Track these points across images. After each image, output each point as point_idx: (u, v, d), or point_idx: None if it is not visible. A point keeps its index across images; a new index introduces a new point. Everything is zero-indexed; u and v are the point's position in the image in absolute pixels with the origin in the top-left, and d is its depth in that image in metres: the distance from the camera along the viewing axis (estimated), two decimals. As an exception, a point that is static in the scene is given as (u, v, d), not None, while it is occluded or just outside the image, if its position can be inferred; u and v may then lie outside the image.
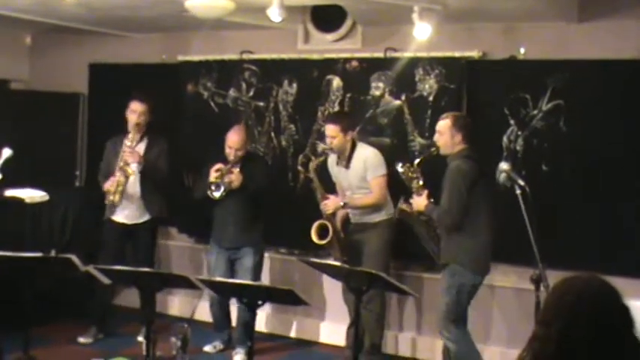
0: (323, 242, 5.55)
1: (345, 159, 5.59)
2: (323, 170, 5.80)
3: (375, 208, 5.57)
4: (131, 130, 5.98)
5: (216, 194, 5.62)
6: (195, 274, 5.00)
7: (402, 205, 5.18)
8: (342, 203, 5.53)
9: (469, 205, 4.84)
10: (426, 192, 5.04)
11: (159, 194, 6.10)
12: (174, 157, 6.79)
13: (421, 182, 5.09)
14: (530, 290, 4.23)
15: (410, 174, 5.12)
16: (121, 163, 5.89)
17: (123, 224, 6.06)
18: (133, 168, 5.87)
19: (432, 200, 5.02)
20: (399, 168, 5.15)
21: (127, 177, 5.90)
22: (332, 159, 5.70)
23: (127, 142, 5.94)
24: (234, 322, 6.04)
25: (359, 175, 5.54)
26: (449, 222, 4.88)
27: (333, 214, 5.60)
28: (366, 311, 5.54)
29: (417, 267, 5.86)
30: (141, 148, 6.01)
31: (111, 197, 5.93)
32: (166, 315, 6.76)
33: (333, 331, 6.28)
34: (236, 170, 5.67)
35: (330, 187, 5.76)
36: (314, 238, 5.57)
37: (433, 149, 5.15)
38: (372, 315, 5.60)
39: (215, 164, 5.67)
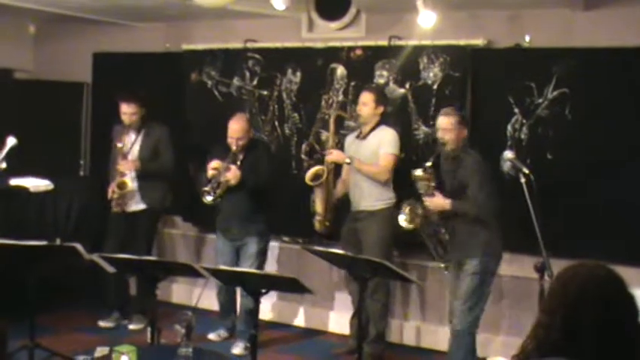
0: (314, 183, 5.60)
1: (366, 132, 5.58)
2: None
3: (377, 192, 5.52)
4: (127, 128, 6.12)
5: (209, 198, 5.60)
6: (200, 262, 5.01)
7: (418, 211, 4.98)
8: (347, 160, 5.52)
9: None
10: (437, 191, 4.93)
11: (158, 185, 6.16)
12: (178, 146, 6.81)
13: (433, 183, 4.94)
14: (534, 279, 4.22)
15: (427, 176, 4.95)
16: (118, 176, 6.01)
17: (123, 212, 6.12)
18: (129, 181, 6.02)
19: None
20: (419, 172, 4.94)
21: (124, 190, 6.03)
22: (352, 135, 5.71)
23: (120, 145, 6.05)
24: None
25: (372, 148, 5.52)
26: (488, 213, 4.83)
27: (335, 167, 5.67)
28: (372, 301, 5.53)
29: (422, 256, 5.83)
30: (137, 143, 6.11)
31: (114, 207, 6.08)
32: (170, 303, 6.77)
33: (340, 320, 6.27)
34: (234, 167, 5.60)
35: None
36: (307, 179, 5.63)
37: (443, 145, 4.94)
38: (377, 305, 5.59)
39: (213, 160, 5.63)
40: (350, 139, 5.73)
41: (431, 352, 5.92)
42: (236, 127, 5.68)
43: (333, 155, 5.60)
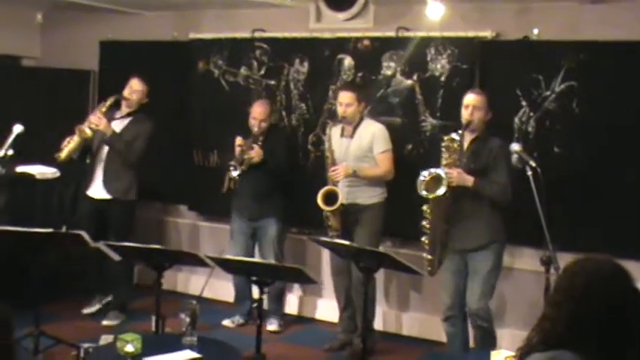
0: (332, 208, 5.43)
1: (351, 129, 5.56)
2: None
3: (371, 188, 5.54)
4: (122, 103, 6.06)
5: (234, 173, 5.70)
6: (205, 251, 5.00)
7: (443, 181, 4.65)
8: (352, 171, 5.43)
9: None
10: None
11: (125, 176, 6.04)
12: (184, 134, 6.82)
13: (457, 156, 4.80)
14: (541, 272, 4.23)
15: (455, 146, 4.80)
16: (85, 124, 5.91)
17: (93, 199, 6.05)
18: (89, 131, 5.88)
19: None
20: (454, 136, 4.76)
21: (81, 137, 5.91)
22: (336, 129, 5.64)
23: (103, 109, 5.96)
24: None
25: (363, 145, 5.50)
26: (509, 198, 4.75)
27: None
28: (360, 294, 5.47)
29: (414, 245, 5.79)
30: (123, 123, 6.03)
31: (58, 153, 5.94)
32: (175, 292, 6.78)
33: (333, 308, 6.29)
34: (256, 146, 5.76)
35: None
36: (321, 203, 5.47)
37: (468, 123, 4.83)
38: (366, 298, 5.56)
39: (237, 138, 5.78)
40: (335, 137, 5.62)
41: (426, 342, 5.94)
42: (260, 109, 5.89)
43: (340, 175, 5.42)
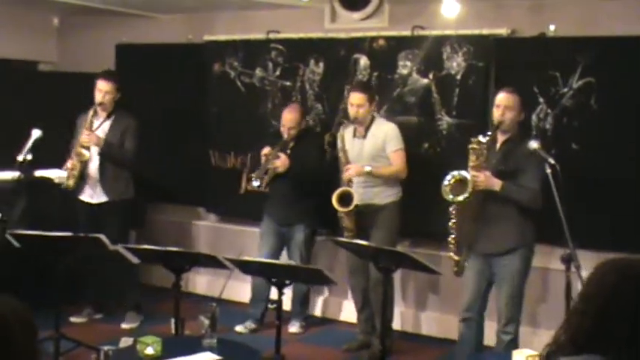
0: (347, 209, 5.41)
1: (363, 130, 5.55)
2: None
3: (387, 188, 5.53)
4: (97, 109, 5.97)
5: (255, 184, 5.72)
6: (223, 253, 5.00)
7: (468, 185, 4.53)
8: (366, 169, 5.41)
9: None
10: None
11: (121, 176, 6.02)
12: (200, 136, 6.82)
13: (484, 159, 4.65)
14: (561, 270, 4.19)
15: (482, 149, 4.63)
16: (78, 147, 5.87)
17: (89, 204, 6.02)
18: (86, 152, 5.85)
19: None
20: (482, 139, 4.59)
21: (82, 162, 5.90)
22: (349, 130, 5.63)
23: (87, 125, 5.89)
24: (288, 297, 6.01)
25: (376, 145, 5.49)
26: (540, 204, 4.58)
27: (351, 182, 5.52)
28: (377, 294, 5.46)
29: (431, 245, 5.79)
30: (105, 127, 5.96)
31: (65, 182, 5.94)
32: (194, 294, 6.79)
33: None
34: (283, 156, 5.77)
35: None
36: (335, 204, 5.45)
37: (499, 124, 4.71)
38: (385, 298, 5.55)
39: (264, 147, 5.80)
40: (348, 137, 5.61)
41: (445, 341, 5.90)
42: (289, 117, 5.88)
43: (352, 171, 5.44)
